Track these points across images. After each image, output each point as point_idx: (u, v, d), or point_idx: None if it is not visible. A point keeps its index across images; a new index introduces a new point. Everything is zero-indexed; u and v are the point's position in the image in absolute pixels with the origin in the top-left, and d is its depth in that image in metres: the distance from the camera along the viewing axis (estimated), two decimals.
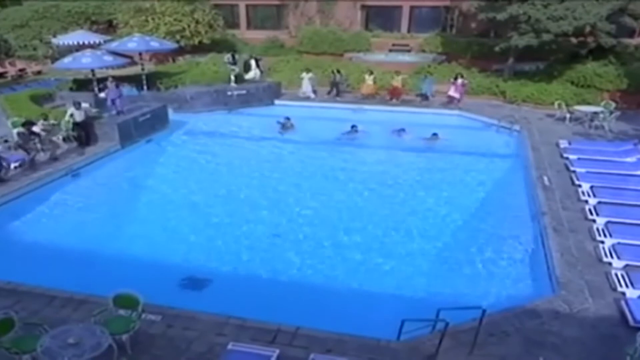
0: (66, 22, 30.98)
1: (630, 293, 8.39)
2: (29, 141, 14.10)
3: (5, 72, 27.21)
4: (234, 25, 32.58)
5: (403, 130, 18.29)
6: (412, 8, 29.69)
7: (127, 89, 21.51)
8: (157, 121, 18.49)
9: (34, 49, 30.26)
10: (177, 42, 26.39)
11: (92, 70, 21.01)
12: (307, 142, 17.99)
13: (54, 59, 26.47)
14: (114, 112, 17.33)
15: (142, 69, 22.60)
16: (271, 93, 22.84)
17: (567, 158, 14.73)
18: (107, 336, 6.64)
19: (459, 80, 21.24)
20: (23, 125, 14.38)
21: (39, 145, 14.70)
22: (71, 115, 15.61)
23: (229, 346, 7.01)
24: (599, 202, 11.71)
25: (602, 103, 19.45)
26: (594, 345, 7.35)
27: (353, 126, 18.31)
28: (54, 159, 14.71)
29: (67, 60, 20.36)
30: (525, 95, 21.85)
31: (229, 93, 22.05)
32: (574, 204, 11.96)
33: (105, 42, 23.44)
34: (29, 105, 19.43)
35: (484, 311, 7.04)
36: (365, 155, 16.88)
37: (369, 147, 17.55)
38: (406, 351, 7.20)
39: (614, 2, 20.38)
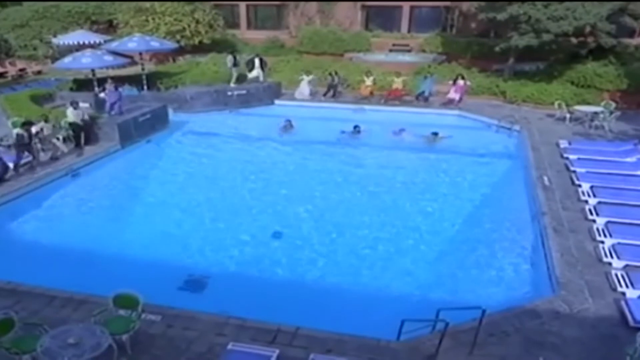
0: (66, 22, 30.97)
1: (630, 293, 8.39)
2: (28, 141, 14.08)
3: (6, 72, 27.22)
4: (234, 25, 32.58)
5: (403, 130, 18.29)
6: (412, 8, 29.68)
7: (127, 89, 21.56)
8: (157, 121, 18.49)
9: (34, 48, 30.27)
10: (178, 42, 26.39)
11: (93, 70, 21.02)
12: (307, 143, 17.99)
13: (54, 59, 26.48)
14: (113, 113, 17.32)
15: (142, 69, 22.60)
16: (271, 93, 22.84)
17: (567, 158, 14.73)
18: (107, 336, 6.64)
19: (460, 82, 21.20)
20: (22, 125, 14.36)
21: (39, 146, 14.70)
22: (69, 114, 15.53)
23: (229, 346, 7.01)
24: (599, 202, 11.71)
25: (602, 103, 19.44)
26: (594, 345, 7.35)
27: (355, 126, 18.30)
28: (54, 159, 14.71)
29: (67, 60, 20.37)
30: (525, 95, 21.85)
31: (229, 93, 22.05)
32: (574, 204, 11.95)
33: (105, 42, 23.43)
34: (29, 105, 19.42)
35: (483, 311, 7.03)
36: (365, 155, 16.86)
37: (369, 147, 17.53)
38: (406, 351, 7.20)
39: (614, 2, 20.38)
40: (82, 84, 23.08)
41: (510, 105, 21.66)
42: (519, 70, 23.66)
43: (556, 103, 19.74)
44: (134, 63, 24.13)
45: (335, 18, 30.24)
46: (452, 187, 14.28)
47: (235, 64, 22.39)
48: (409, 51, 27.94)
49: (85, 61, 19.85)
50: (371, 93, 22.38)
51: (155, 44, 22.83)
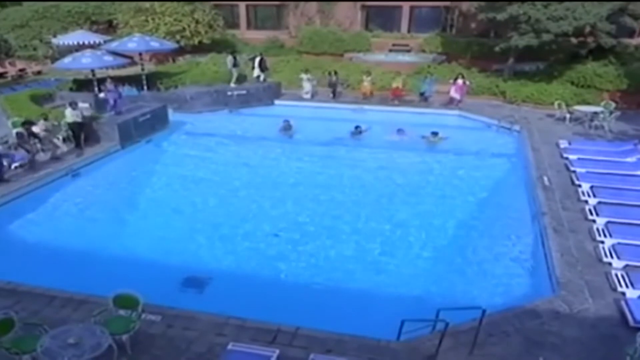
0: (66, 22, 30.96)
1: (630, 293, 8.39)
2: (28, 141, 14.10)
3: (6, 72, 27.21)
4: (234, 25, 32.58)
5: (403, 130, 18.28)
6: (412, 8, 29.69)
7: (127, 89, 21.55)
8: (157, 121, 18.49)
9: (34, 49, 30.27)
10: (177, 42, 26.40)
11: (92, 71, 21.00)
12: (307, 143, 17.99)
13: (54, 59, 26.46)
14: (112, 113, 17.31)
15: (142, 69, 22.59)
16: (271, 93, 22.84)
17: (567, 158, 14.73)
18: (107, 336, 6.64)
19: (460, 81, 21.21)
20: (22, 124, 14.37)
21: (38, 145, 14.71)
22: (68, 114, 15.50)
23: (229, 346, 7.01)
24: (599, 202, 11.71)
25: (602, 103, 19.44)
26: (594, 345, 7.35)
27: (357, 127, 18.28)
28: (54, 159, 14.71)
29: (67, 60, 20.36)
30: (525, 95, 21.84)
31: (229, 93, 22.06)
32: (574, 204, 11.96)
33: (105, 42, 23.43)
34: (29, 105, 19.41)
35: (483, 311, 7.04)
36: (365, 156, 16.86)
37: (368, 147, 17.55)
38: (406, 351, 7.20)
39: (614, 2, 20.38)
40: (82, 84, 23.08)
41: (510, 105, 21.66)
42: (518, 70, 23.66)
43: (556, 103, 19.74)
44: (133, 63, 24.12)
45: (335, 18, 30.24)
46: (452, 187, 14.27)
47: (235, 64, 22.38)
48: (409, 51, 27.95)
49: (85, 61, 19.84)
50: (370, 93, 22.37)
51: (155, 44, 22.83)
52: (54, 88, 23.25)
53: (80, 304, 8.19)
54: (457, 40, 27.27)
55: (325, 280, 9.85)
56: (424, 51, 27.62)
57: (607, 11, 20.16)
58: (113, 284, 7.79)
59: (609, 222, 10.72)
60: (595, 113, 18.49)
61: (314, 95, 22.88)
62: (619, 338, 7.38)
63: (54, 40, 24.95)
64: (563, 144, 16.06)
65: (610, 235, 10.17)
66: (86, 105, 16.91)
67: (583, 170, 13.59)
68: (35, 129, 14.81)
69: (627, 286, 8.52)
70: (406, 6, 29.57)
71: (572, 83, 21.92)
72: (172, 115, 19.79)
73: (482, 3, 22.95)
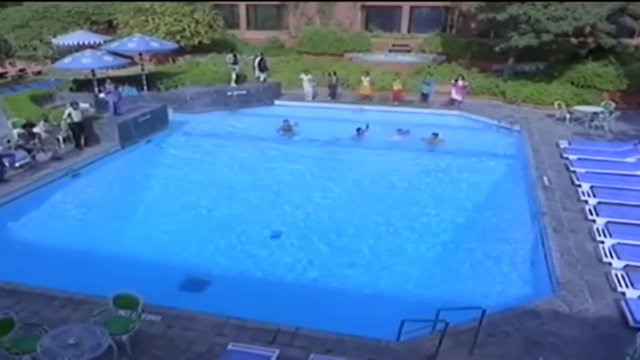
0: (66, 22, 30.95)
1: (630, 293, 8.39)
2: (28, 141, 14.10)
3: (6, 73, 27.20)
4: (234, 25, 32.58)
5: (402, 130, 18.27)
6: (412, 8, 29.69)
7: (127, 90, 21.55)
8: (157, 121, 18.50)
9: (34, 49, 30.26)
10: (177, 42, 26.40)
11: (92, 71, 21.01)
12: (307, 143, 17.98)
13: (54, 59, 26.45)
14: (112, 113, 17.30)
15: (142, 69, 22.59)
16: (271, 93, 22.85)
17: (567, 158, 14.73)
18: (107, 336, 6.64)
19: (460, 82, 21.20)
20: (23, 126, 14.37)
21: (39, 146, 14.71)
22: (69, 115, 15.51)
23: (229, 346, 7.01)
24: (599, 202, 11.71)
25: (602, 103, 19.45)
26: (594, 345, 7.35)
27: (359, 129, 18.23)
28: (54, 159, 14.71)
29: (67, 60, 20.36)
30: (525, 95, 21.85)
31: (229, 93, 22.06)
32: (574, 204, 11.96)
33: (105, 42, 23.44)
34: (29, 105, 19.42)
35: (483, 311, 7.04)
36: (365, 156, 16.87)
37: (368, 147, 17.54)
38: (406, 351, 7.20)
39: (614, 2, 20.39)
40: (82, 85, 23.08)
41: (510, 105, 21.67)
42: (518, 70, 23.67)
43: (556, 103, 19.74)
44: (133, 63, 24.14)
45: (335, 18, 30.24)
46: (452, 187, 14.27)
47: (234, 62, 22.35)
48: (409, 51, 27.95)
49: (85, 61, 19.85)
50: (370, 93, 22.34)
51: (155, 44, 22.84)
52: (54, 88, 23.25)
53: (80, 304, 8.19)
54: (457, 40, 27.28)
55: (325, 280, 9.85)
56: (424, 51, 27.63)
57: (607, 11, 20.17)
58: (113, 284, 7.80)
59: (609, 222, 10.72)
60: (595, 113, 18.49)
61: (315, 96, 22.86)
62: (619, 338, 7.38)
63: (54, 41, 24.95)
64: (563, 144, 16.06)
65: (610, 235, 10.17)
66: (86, 105, 16.91)
67: (583, 170, 13.59)
68: (35, 129, 14.81)
69: (627, 286, 8.52)
70: (406, 6, 29.57)
71: (572, 83, 21.94)
72: (172, 116, 19.80)
73: (482, 3, 22.95)
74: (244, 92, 22.28)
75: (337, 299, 9.28)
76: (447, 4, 28.52)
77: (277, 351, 6.94)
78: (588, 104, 19.92)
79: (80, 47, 22.22)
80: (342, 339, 7.43)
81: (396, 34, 29.78)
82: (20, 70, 27.86)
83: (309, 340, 7.40)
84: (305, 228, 11.87)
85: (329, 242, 11.22)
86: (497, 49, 22.07)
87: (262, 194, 13.75)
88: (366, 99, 22.25)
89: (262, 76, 22.93)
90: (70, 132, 15.98)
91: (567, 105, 19.60)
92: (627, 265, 9.22)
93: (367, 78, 22.37)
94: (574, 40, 21.78)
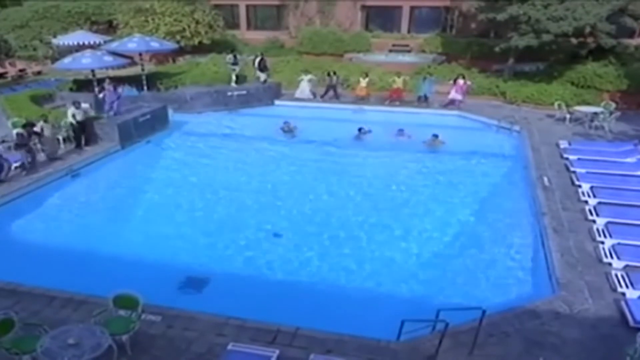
0: (66, 23, 30.97)
1: (630, 293, 8.39)
2: (28, 142, 14.06)
3: (6, 73, 27.19)
4: (234, 25, 32.60)
5: (403, 131, 18.26)
6: (412, 8, 29.72)
7: (127, 90, 21.55)
8: (157, 122, 18.50)
9: (34, 49, 30.26)
10: (177, 42, 26.41)
11: (92, 71, 21.00)
12: (307, 143, 17.97)
13: (54, 60, 26.47)
14: (112, 113, 17.31)
15: (142, 70, 22.60)
16: (271, 93, 22.84)
17: (567, 158, 14.73)
18: (107, 337, 6.64)
19: (460, 81, 21.17)
20: (24, 126, 14.35)
21: (39, 146, 14.70)
22: (73, 115, 15.58)
23: (229, 346, 7.01)
24: (599, 203, 11.71)
25: (602, 103, 19.45)
26: (594, 345, 7.35)
27: (360, 129, 18.19)
28: (54, 159, 14.71)
29: (67, 60, 20.36)
30: (525, 95, 21.85)
31: (229, 93, 22.06)
32: (574, 204, 11.96)
33: (105, 42, 23.43)
34: (29, 105, 19.41)
35: (483, 312, 7.04)
36: (365, 156, 16.85)
37: (369, 148, 17.53)
38: (406, 351, 7.20)
39: (614, 3, 20.38)
40: (82, 85, 23.08)
41: (510, 105, 21.66)
42: (518, 70, 23.67)
43: (556, 103, 19.74)
44: (133, 63, 24.14)
45: (335, 18, 30.26)
46: (452, 187, 14.26)
47: (234, 62, 22.32)
48: (409, 51, 27.97)
49: (85, 62, 19.84)
50: (367, 94, 22.28)
51: (155, 44, 22.83)
52: (54, 88, 23.23)
53: (80, 304, 8.19)
54: (457, 40, 27.31)
55: (325, 280, 9.85)
56: (424, 51, 27.64)
57: (607, 11, 20.16)
58: (113, 284, 7.80)
59: (609, 222, 10.72)
60: (595, 113, 18.49)
61: (315, 95, 22.82)
62: (619, 338, 7.38)
63: (54, 41, 24.94)
64: (563, 144, 16.06)
65: (610, 236, 10.17)
66: (86, 105, 16.91)
67: (583, 170, 13.59)
68: (36, 129, 14.79)
69: (627, 286, 8.52)
70: (406, 6, 29.60)
71: (572, 83, 21.93)
72: (172, 116, 19.79)
73: (482, 3, 22.96)
74: (244, 92, 22.28)
75: (337, 299, 9.27)
76: (447, 4, 28.54)
77: (277, 351, 6.94)
78: (588, 104, 19.92)
79: (80, 47, 22.21)
80: (342, 339, 7.43)
81: (396, 34, 29.81)
82: (20, 71, 27.85)
83: (309, 340, 7.40)
84: (305, 228, 11.86)
85: (328, 242, 11.22)
86: (497, 49, 22.08)
87: (262, 194, 13.75)
88: (363, 99, 22.17)
89: (262, 76, 22.91)
90: (71, 132, 16.00)
91: (567, 106, 19.60)
92: (627, 266, 9.22)
93: (366, 79, 22.33)
94: (574, 41, 21.78)
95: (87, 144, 15.94)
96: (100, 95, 18.36)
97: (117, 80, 20.86)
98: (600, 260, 9.46)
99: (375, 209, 12.85)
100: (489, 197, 13.68)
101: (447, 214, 12.60)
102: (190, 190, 14.07)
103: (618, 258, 9.39)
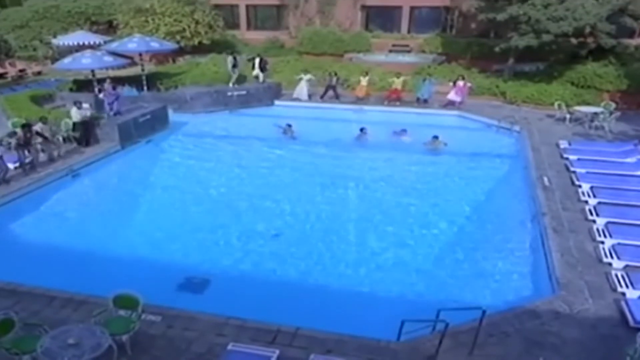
0: (66, 23, 30.98)
1: (630, 293, 8.39)
2: (26, 142, 14.02)
3: (6, 73, 27.19)
4: (234, 25, 32.61)
5: (404, 131, 18.23)
6: (412, 8, 29.74)
7: (127, 90, 21.57)
8: (157, 122, 18.50)
9: (34, 49, 30.28)
10: (177, 42, 26.41)
11: (92, 71, 21.02)
12: (308, 143, 17.96)
13: (54, 60, 26.48)
14: (111, 114, 17.32)
15: (142, 70, 22.61)
16: (271, 94, 22.84)
17: (567, 158, 14.73)
18: (107, 337, 6.64)
19: (460, 82, 21.15)
20: (22, 127, 14.33)
21: (39, 146, 14.69)
22: (74, 115, 15.62)
23: (229, 346, 7.01)
24: (599, 203, 11.71)
25: (602, 104, 19.45)
26: (594, 345, 7.35)
27: (362, 129, 18.17)
28: (54, 159, 14.70)
29: (67, 60, 20.38)
30: (525, 95, 21.86)
31: (229, 94, 22.05)
32: (574, 204, 11.96)
33: (105, 42, 23.44)
34: (29, 105, 19.42)
35: (484, 312, 7.03)
36: (365, 157, 16.85)
37: (369, 148, 17.52)
38: (406, 351, 7.19)
39: (614, 3, 20.39)
40: (82, 85, 23.09)
41: (510, 105, 21.66)
42: (518, 70, 23.67)
43: (556, 103, 19.74)
44: (133, 64, 24.16)
45: (335, 18, 30.26)
46: (452, 187, 14.27)
47: (235, 65, 22.34)
48: (409, 52, 27.98)
49: (85, 62, 19.86)
50: (366, 94, 22.27)
51: (155, 44, 22.84)
52: (54, 88, 23.25)
53: (80, 304, 8.19)
54: (457, 40, 27.32)
55: (325, 281, 9.85)
56: (424, 52, 27.65)
57: (607, 11, 20.17)
58: (113, 284, 7.80)
59: (609, 222, 10.72)
60: (596, 113, 18.50)
61: (311, 97, 22.80)
62: (619, 338, 7.38)
63: (54, 41, 24.96)
64: (563, 144, 16.06)
65: (610, 236, 10.17)
66: (87, 105, 16.92)
67: (583, 170, 13.59)
68: (35, 128, 14.78)
69: (627, 286, 8.52)
70: (406, 6, 29.61)
71: (572, 83, 21.94)
72: (172, 116, 19.79)
73: (482, 3, 22.96)
74: (244, 92, 22.28)
75: (337, 299, 9.28)
76: (447, 4, 28.55)
77: (277, 351, 6.94)
78: (588, 104, 19.92)
79: (80, 48, 22.23)
80: (342, 339, 7.43)
81: (396, 34, 29.83)
82: (20, 71, 27.85)
83: (309, 340, 7.40)
84: (306, 228, 11.87)
85: (328, 243, 11.21)
86: (497, 49, 22.09)
87: (262, 194, 13.75)
88: (363, 100, 22.17)
89: (262, 76, 22.87)
90: (71, 132, 16.02)
91: (567, 106, 19.60)
92: (627, 266, 9.22)
93: (366, 79, 22.32)
94: (574, 41, 21.77)
95: (88, 144, 15.94)
96: (100, 96, 18.39)
97: (117, 81, 20.88)
98: (600, 260, 9.45)
99: (375, 209, 12.85)
100: (489, 197, 13.68)
101: (447, 213, 12.59)
102: (190, 190, 14.07)
103: (618, 258, 9.39)
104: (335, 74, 22.67)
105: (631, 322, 7.66)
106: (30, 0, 32.51)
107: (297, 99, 22.63)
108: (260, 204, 13.14)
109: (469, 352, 7.10)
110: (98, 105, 18.66)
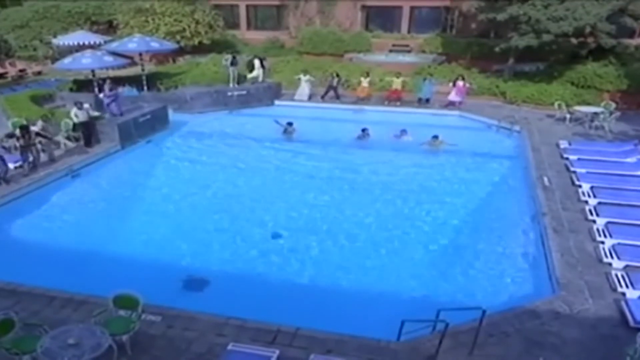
0: (66, 23, 30.98)
1: (630, 293, 8.39)
2: (28, 143, 14.01)
3: (6, 73, 27.19)
4: (234, 25, 32.61)
5: (405, 131, 18.21)
6: (412, 8, 29.72)
7: (127, 90, 21.56)
8: (157, 122, 18.50)
9: (34, 49, 30.29)
10: (177, 42, 26.42)
11: (93, 71, 21.02)
12: (307, 144, 17.94)
13: (54, 60, 26.48)
14: (109, 114, 17.30)
15: (143, 70, 22.60)
16: (271, 93, 22.83)
17: (567, 158, 14.73)
18: (107, 337, 6.64)
19: (460, 82, 21.14)
20: (20, 128, 14.33)
21: (39, 146, 14.69)
22: (75, 115, 15.63)
23: (229, 347, 7.02)
24: (599, 203, 11.71)
25: (602, 103, 19.45)
26: (594, 345, 7.35)
27: (364, 130, 18.12)
28: (54, 159, 14.70)
29: (67, 60, 20.38)
30: (525, 95, 21.85)
31: (229, 94, 22.05)
32: (574, 204, 11.96)
33: (105, 42, 23.43)
34: (29, 105, 19.41)
35: (484, 312, 7.03)
36: (364, 157, 16.85)
37: (369, 148, 17.51)
38: (406, 352, 7.20)
39: (614, 3, 20.38)
40: (82, 85, 23.08)
41: (510, 105, 21.66)
42: (519, 70, 23.67)
43: (556, 103, 19.74)
44: (134, 64, 24.14)
45: (335, 18, 30.26)
46: (452, 187, 14.26)
47: (232, 63, 22.28)
48: (409, 52, 27.97)
49: (85, 62, 19.86)
50: (367, 95, 22.25)
51: (155, 44, 22.84)
52: (54, 88, 23.25)
53: (80, 304, 8.19)
54: (457, 40, 27.31)
55: (325, 281, 9.85)
56: (424, 52, 27.64)
57: (607, 11, 20.16)
58: (113, 284, 7.80)
59: (609, 222, 10.72)
60: (596, 113, 18.49)
61: (311, 97, 22.80)
62: (619, 338, 7.38)
63: (54, 41, 24.95)
64: (563, 144, 16.06)
65: (611, 236, 10.17)
66: (87, 105, 16.91)
67: (583, 170, 13.59)
68: (35, 128, 14.78)
69: (627, 286, 8.52)
70: (406, 6, 29.60)
71: (572, 83, 21.93)
72: (172, 116, 19.79)
73: (482, 3, 22.96)
74: (244, 92, 22.28)
75: (337, 299, 9.28)
76: (447, 4, 28.54)
77: (277, 351, 6.94)
78: (588, 104, 19.92)
79: (80, 48, 22.22)
80: (342, 339, 7.43)
81: (396, 34, 29.81)
82: (21, 71, 27.85)
83: (309, 340, 7.40)
84: (305, 228, 11.86)
85: (329, 243, 11.21)
86: (497, 49, 22.09)
87: (262, 194, 13.75)
88: (363, 100, 22.16)
89: (262, 75, 22.83)
90: (71, 132, 16.02)
91: (567, 106, 19.59)
92: (627, 266, 9.23)
93: (367, 79, 22.31)
94: (574, 41, 21.77)
95: (89, 144, 15.95)
96: (100, 96, 18.38)
97: (117, 81, 20.87)
98: (600, 260, 9.45)
99: (375, 209, 12.84)
100: (489, 197, 13.68)
101: (447, 213, 12.59)
102: (191, 190, 14.07)
103: (618, 258, 9.39)
104: (337, 75, 22.64)
105: (631, 322, 7.66)
106: (30, 0, 32.49)
107: (298, 99, 22.59)
108: (260, 204, 13.13)
109: (469, 352, 7.10)
110: (98, 105, 18.66)
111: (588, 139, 17.34)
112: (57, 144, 15.33)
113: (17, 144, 13.78)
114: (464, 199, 13.46)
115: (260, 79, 22.87)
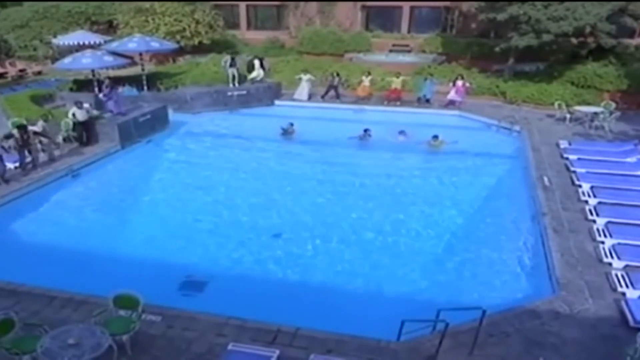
0: (66, 23, 30.97)
1: (630, 293, 8.39)
2: (26, 143, 14.00)
3: (6, 73, 27.18)
4: (234, 25, 32.60)
5: (404, 131, 18.21)
6: (412, 8, 29.73)
7: (127, 90, 21.55)
8: (157, 122, 18.50)
9: (34, 49, 30.29)
10: (178, 42, 26.41)
11: (93, 71, 21.02)
12: (307, 144, 17.95)
13: (54, 60, 26.49)
14: (107, 114, 17.31)
15: (143, 70, 22.60)
16: (271, 93, 22.83)
17: (567, 158, 14.73)
18: (107, 337, 6.64)
19: (459, 82, 21.14)
20: (19, 128, 14.33)
21: (39, 146, 14.70)
22: (73, 114, 15.66)
23: (229, 347, 7.01)
24: (599, 203, 11.71)
25: (603, 103, 19.44)
26: (594, 345, 7.35)
27: (366, 130, 18.02)
28: (54, 159, 14.70)
29: (67, 60, 20.38)
30: (525, 95, 21.85)
31: (229, 93, 22.05)
32: (574, 204, 11.95)
33: (105, 42, 23.43)
34: (29, 105, 19.42)
35: (484, 312, 7.03)
36: (364, 157, 16.86)
37: (370, 149, 17.52)
38: (406, 352, 7.19)
39: (614, 3, 20.39)
40: (82, 85, 23.07)
41: (511, 105, 21.65)
42: (519, 70, 23.67)
43: (556, 103, 19.74)
44: (134, 63, 24.14)
45: (335, 18, 30.26)
46: (452, 187, 14.27)
47: (232, 64, 22.25)
48: (409, 52, 27.96)
49: (85, 62, 19.85)
50: (368, 94, 22.25)
51: (155, 44, 22.83)
52: (54, 88, 23.26)
53: (80, 304, 8.19)
54: (457, 40, 27.31)
55: (325, 280, 9.85)
56: (424, 51, 27.64)
57: (607, 11, 20.16)
58: (113, 284, 7.79)
59: (609, 222, 10.72)
60: (596, 113, 18.49)
61: (311, 97, 22.79)
62: (619, 338, 7.38)
63: (54, 41, 24.95)
64: (563, 144, 16.06)
65: (611, 236, 10.17)
66: (87, 105, 16.92)
67: (583, 170, 13.59)
68: (35, 128, 14.78)
69: (627, 286, 8.52)
70: (406, 6, 29.61)
71: (572, 83, 21.92)
72: (172, 116, 19.79)
73: (482, 3, 22.94)
74: (244, 92, 22.27)
75: (337, 299, 9.28)
76: (447, 4, 28.53)
77: (277, 351, 6.94)
78: (588, 104, 19.92)
79: (80, 47, 22.23)
80: (342, 339, 7.43)
81: (396, 34, 29.82)
82: (21, 71, 27.84)
83: (309, 340, 7.40)
84: (305, 228, 11.85)
85: (328, 243, 11.21)
86: (497, 49, 22.09)
87: (262, 194, 13.75)
88: (363, 99, 22.14)
89: (262, 74, 22.81)
90: (71, 132, 16.02)
91: (568, 106, 19.59)
92: (627, 266, 9.22)
93: (369, 78, 22.31)
94: (574, 41, 21.78)
95: (88, 143, 15.95)
96: (100, 96, 18.39)
97: (117, 80, 20.86)
98: (601, 260, 9.45)
99: (375, 209, 12.83)
100: (489, 197, 13.67)
101: (447, 213, 12.60)
102: (190, 190, 14.07)
103: (618, 258, 9.39)
104: (337, 74, 22.64)
105: (631, 322, 7.66)
106: (30, 0, 32.48)
107: (298, 99, 22.59)
108: (260, 204, 13.13)
109: (469, 352, 7.10)
110: (98, 105, 18.66)
111: (588, 138, 17.33)
112: (57, 144, 15.32)
113: (15, 144, 13.77)
114: (463, 199, 13.46)
115: (259, 78, 22.82)
